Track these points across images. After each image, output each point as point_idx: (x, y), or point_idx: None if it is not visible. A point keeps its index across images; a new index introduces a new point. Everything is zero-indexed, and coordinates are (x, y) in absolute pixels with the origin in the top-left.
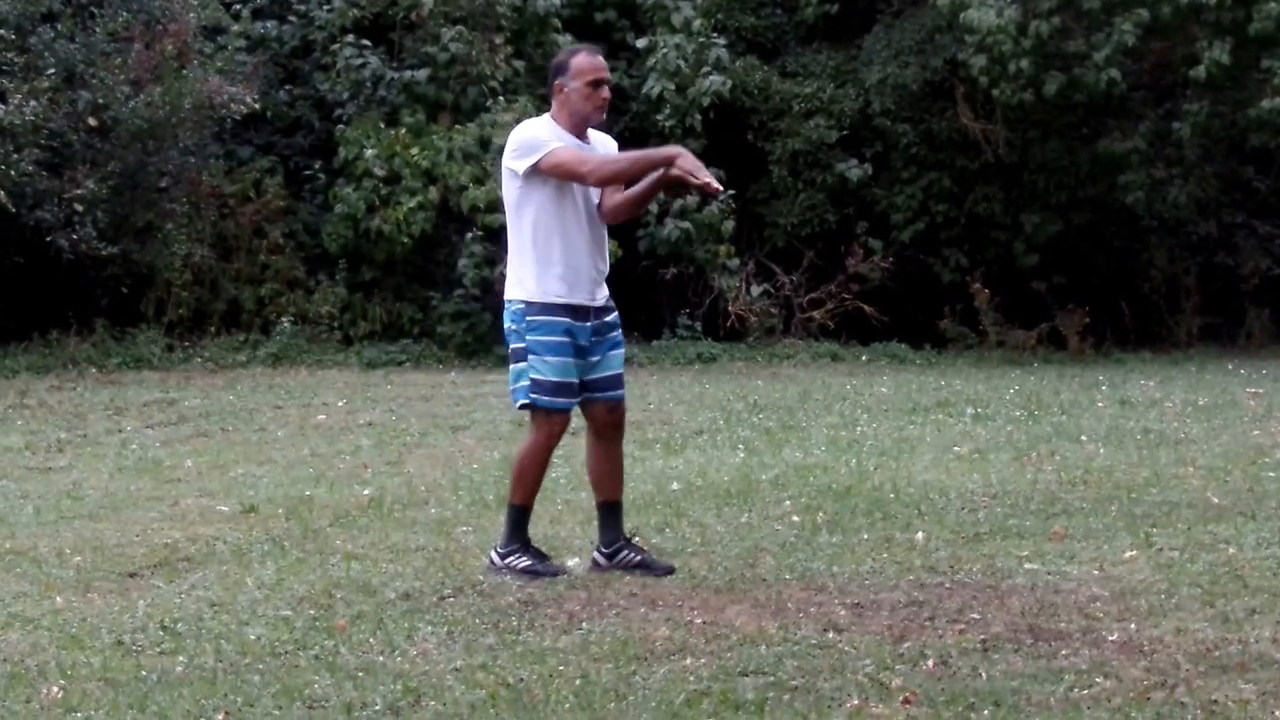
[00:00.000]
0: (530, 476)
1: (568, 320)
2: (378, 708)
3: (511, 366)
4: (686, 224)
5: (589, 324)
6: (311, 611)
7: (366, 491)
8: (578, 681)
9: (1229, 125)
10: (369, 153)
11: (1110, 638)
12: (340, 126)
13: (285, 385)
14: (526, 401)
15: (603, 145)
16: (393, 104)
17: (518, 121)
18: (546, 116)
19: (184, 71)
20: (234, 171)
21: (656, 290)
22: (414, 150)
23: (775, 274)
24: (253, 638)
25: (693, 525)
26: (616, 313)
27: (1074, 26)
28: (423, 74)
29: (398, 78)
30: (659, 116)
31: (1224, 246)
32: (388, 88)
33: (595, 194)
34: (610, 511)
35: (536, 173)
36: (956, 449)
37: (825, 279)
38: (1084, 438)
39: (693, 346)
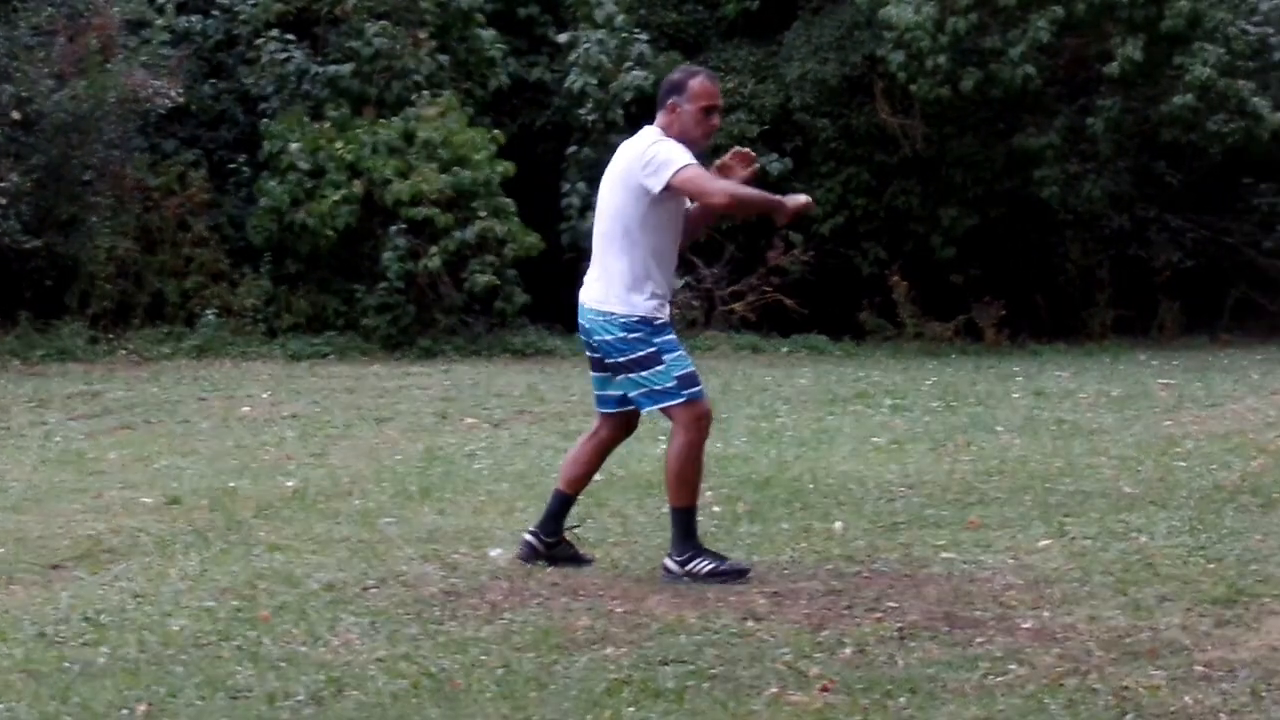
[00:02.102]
0: (692, 475)
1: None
2: (300, 698)
3: (636, 375)
4: None
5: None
6: (235, 602)
7: (290, 483)
8: (500, 671)
9: (1142, 121)
10: (293, 146)
11: (1024, 625)
12: (265, 120)
13: (210, 377)
14: (681, 400)
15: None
16: (317, 98)
17: (442, 116)
18: (658, 129)
19: (108, 65)
20: (158, 165)
21: (579, 283)
22: (338, 144)
23: (696, 267)
24: (176, 629)
25: (614, 515)
26: None
27: (990, 23)
28: (347, 68)
29: (322, 72)
30: (581, 111)
31: (1137, 240)
32: (312, 82)
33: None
34: (562, 502)
35: (668, 190)
36: (875, 440)
37: (746, 272)
38: (999, 428)
39: None
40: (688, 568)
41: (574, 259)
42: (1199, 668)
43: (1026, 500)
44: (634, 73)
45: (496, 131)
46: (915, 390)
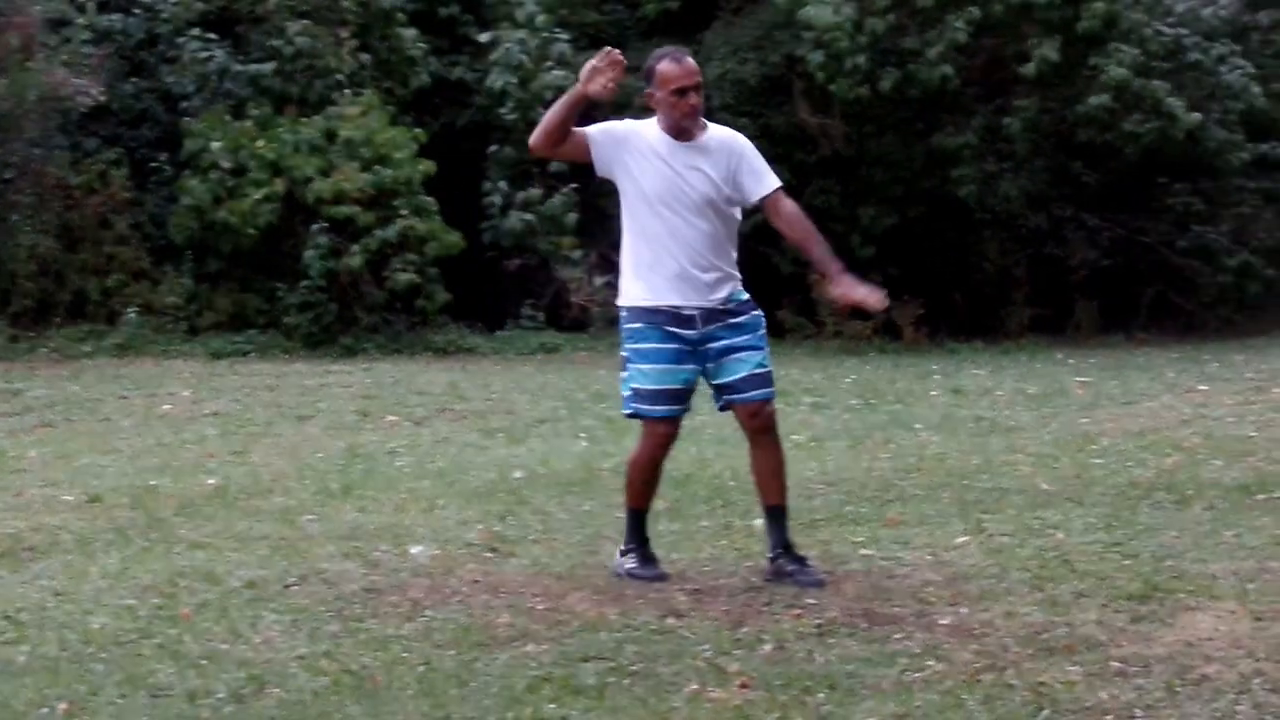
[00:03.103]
0: (635, 482)
1: (664, 326)
2: (221, 695)
3: (621, 374)
4: (530, 216)
5: (695, 331)
6: (156, 600)
7: (212, 481)
8: (420, 668)
9: (1058, 121)
10: (215, 145)
11: (942, 621)
12: (186, 119)
13: (131, 375)
14: (629, 411)
15: (723, 147)
16: (239, 97)
17: (363, 115)
18: (653, 121)
19: (29, 64)
20: (80, 163)
21: (501, 281)
22: (260, 143)
23: (617, 266)
24: (96, 627)
25: (535, 513)
26: (750, 313)
27: (908, 24)
28: (269, 67)
29: (244, 71)
30: (502, 110)
31: (1054, 239)
32: (234, 81)
33: (705, 188)
34: (771, 517)
35: (598, 169)
36: (794, 437)
37: None
38: (918, 426)
39: (536, 336)
40: (618, 560)
41: (495, 258)
42: (1115, 663)
43: (944, 497)
44: (554, 72)
45: (418, 130)
46: (834, 388)
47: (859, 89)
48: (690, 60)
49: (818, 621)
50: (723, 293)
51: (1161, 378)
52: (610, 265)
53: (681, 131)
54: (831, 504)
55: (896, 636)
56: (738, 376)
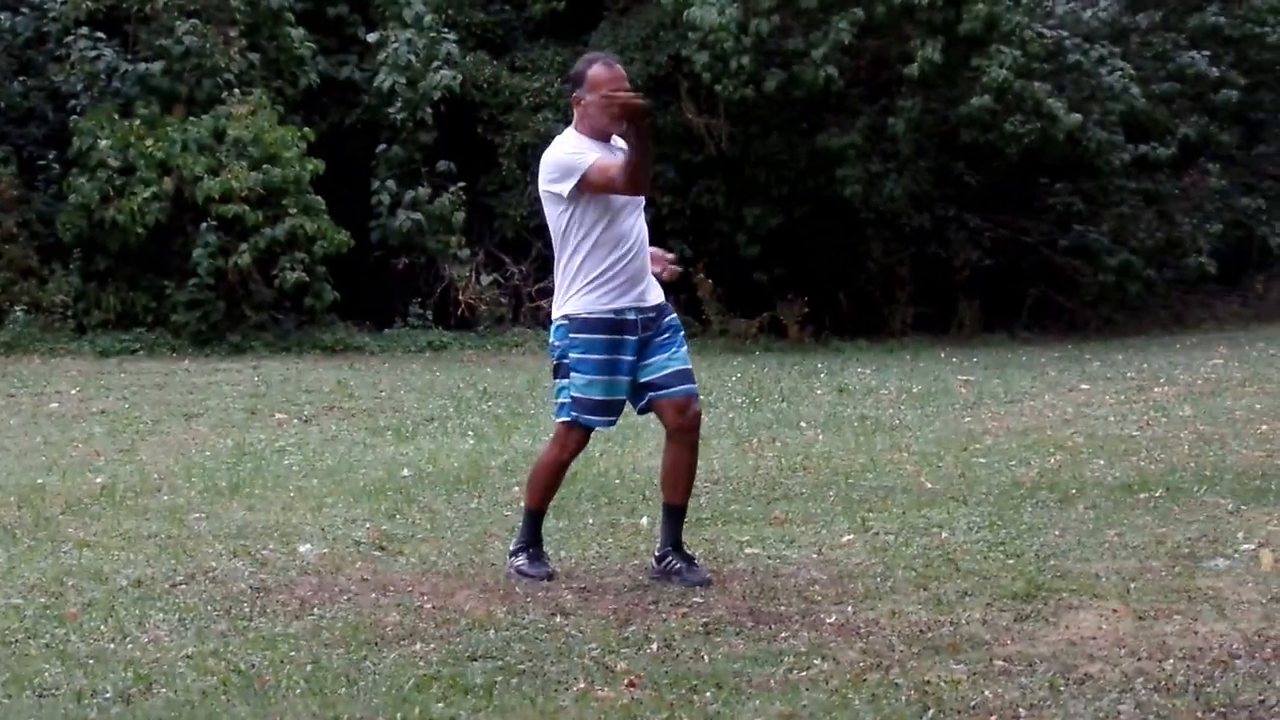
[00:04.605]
0: (541, 485)
1: (613, 335)
2: (108, 695)
3: (555, 381)
4: (418, 215)
5: (635, 337)
6: (42, 599)
7: (99, 479)
8: (309, 667)
9: (941, 121)
10: (103, 143)
11: (828, 620)
12: (74, 117)
13: (18, 374)
14: (568, 419)
15: (621, 146)
16: (127, 95)
17: (252, 114)
18: (571, 130)
19: None
20: None
21: (388, 280)
22: (148, 141)
23: (505, 264)
24: None
25: (423, 511)
26: (673, 313)
27: (793, 25)
28: (157, 66)
29: (132, 70)
30: (390, 110)
31: (937, 239)
32: (122, 79)
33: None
34: (669, 515)
35: (581, 193)
36: None
37: (553, 269)
38: (803, 424)
39: (424, 335)
40: (511, 558)
41: (383, 257)
42: (999, 662)
43: (830, 496)
44: (442, 72)
45: (306, 129)
46: (720, 386)
47: (744, 89)
48: (619, 66)
49: (704, 620)
50: (658, 292)
51: (1044, 377)
52: (497, 263)
53: (605, 134)
54: (717, 502)
55: (783, 635)
56: (666, 372)
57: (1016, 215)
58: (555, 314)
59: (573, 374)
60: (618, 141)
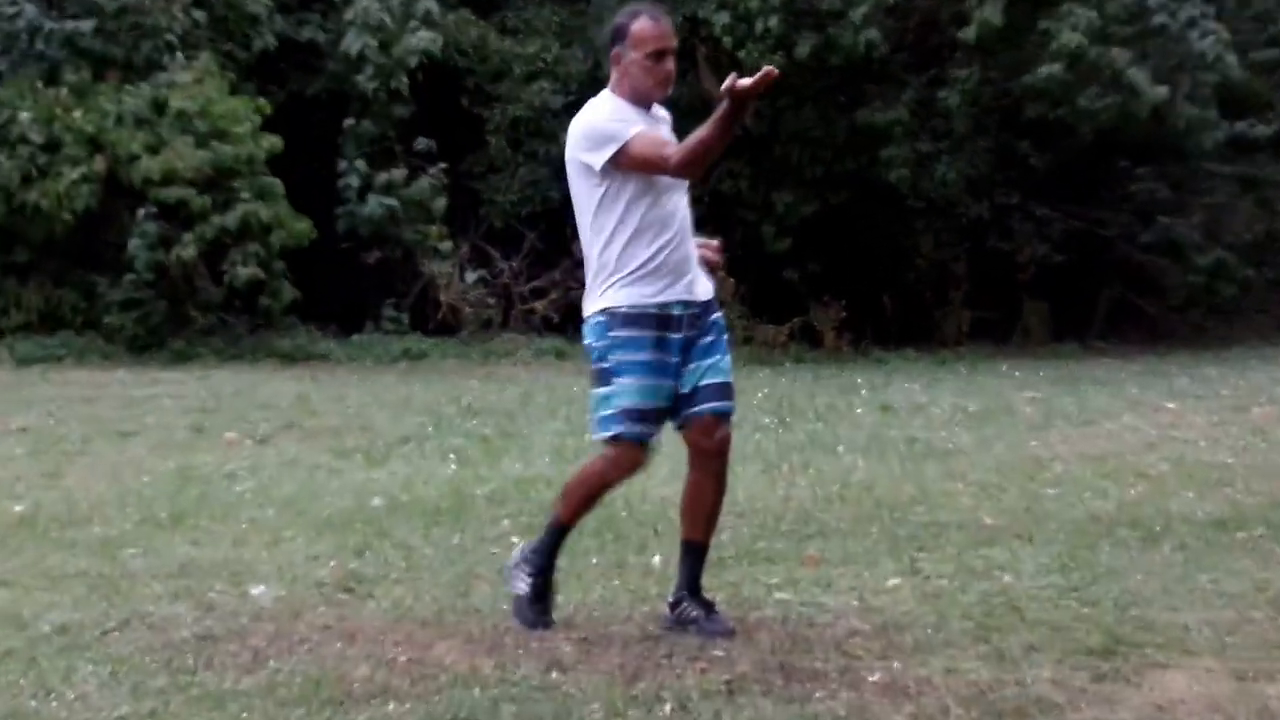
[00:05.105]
0: (579, 498)
1: (659, 333)
2: None
3: (593, 391)
4: (392, 201)
5: (680, 335)
6: None
7: (18, 508)
8: None
9: (1002, 94)
10: (24, 116)
11: (871, 679)
12: None
13: None
14: (616, 433)
15: (665, 117)
16: (52, 60)
17: (198, 82)
18: (607, 92)
19: None
20: None
21: (358, 276)
22: (77, 113)
23: (493, 259)
24: None
25: (397, 547)
26: (720, 311)
27: None
28: (87, 25)
29: (58, 29)
30: (359, 77)
31: (997, 231)
32: (46, 41)
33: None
34: (687, 553)
35: (616, 168)
36: None
37: (549, 265)
38: (841, 448)
39: (398, 341)
40: (516, 570)
41: (351, 249)
42: None
43: (873, 532)
44: (420, 34)
45: (262, 100)
46: (744, 403)
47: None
48: (668, 21)
49: (726, 678)
50: (705, 287)
51: (1123, 394)
52: (484, 258)
53: (647, 100)
54: (741, 539)
55: (818, 696)
56: (704, 384)
57: (1091, 204)
58: (589, 309)
59: (617, 379)
60: (660, 110)
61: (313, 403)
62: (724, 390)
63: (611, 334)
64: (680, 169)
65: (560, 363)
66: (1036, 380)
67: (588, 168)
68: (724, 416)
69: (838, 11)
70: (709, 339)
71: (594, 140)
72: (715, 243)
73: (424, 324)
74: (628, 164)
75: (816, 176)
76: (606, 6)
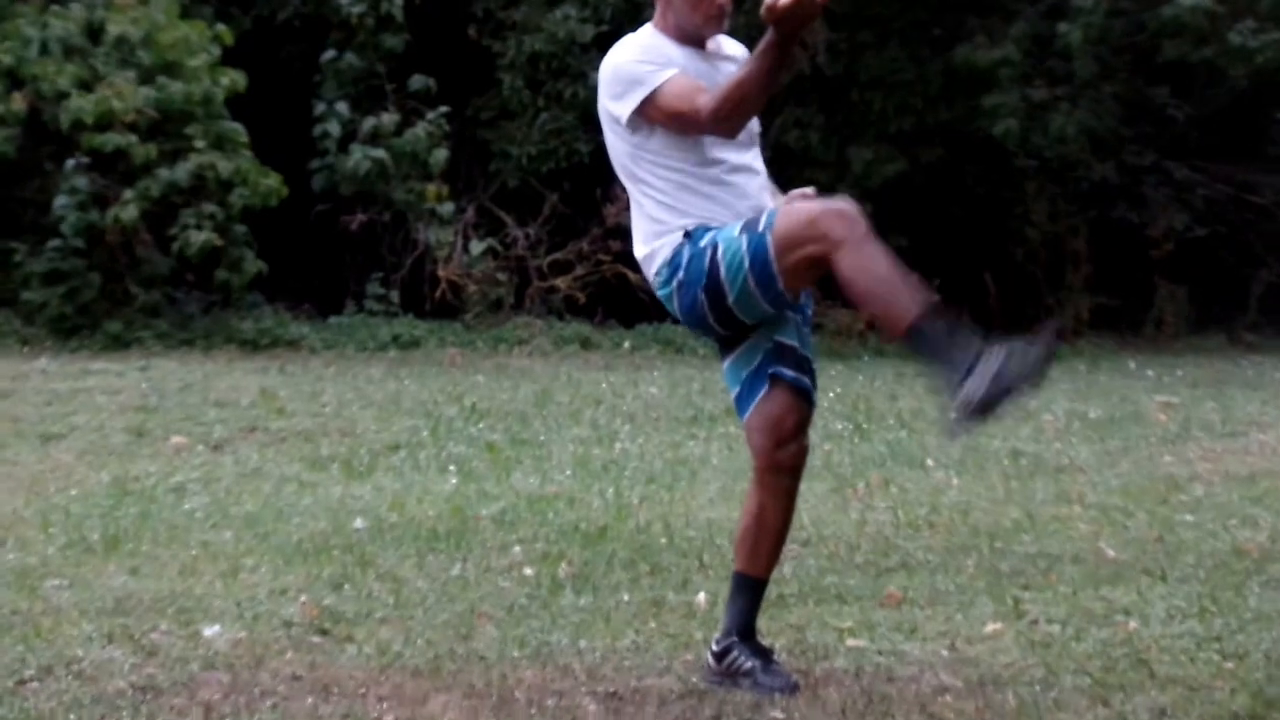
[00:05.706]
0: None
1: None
2: None
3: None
4: (381, 153)
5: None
6: None
7: None
8: None
9: (1134, 29)
10: None
11: None
12: None
13: None
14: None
15: (735, 54)
16: None
17: (142, 2)
18: (650, 26)
19: None
20: None
21: (337, 245)
22: None
23: (505, 226)
24: None
25: (383, 579)
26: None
27: None
28: None
29: None
30: (342, 1)
31: (1127, 199)
32: None
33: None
34: (741, 590)
35: (648, 121)
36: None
37: (574, 233)
38: (930, 462)
39: (387, 325)
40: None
41: (329, 212)
42: None
43: (968, 566)
44: None
45: (221, 27)
46: None
47: None
48: None
49: None
50: None
51: (1278, 399)
52: (494, 224)
53: (696, 37)
54: (806, 572)
55: None
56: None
57: (1242, 166)
58: (651, 270)
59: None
60: (729, 45)
61: (281, 400)
62: (805, 364)
63: (692, 252)
64: (715, 122)
65: (586, 353)
66: (1173, 381)
67: (615, 118)
68: (802, 395)
69: None
70: (795, 317)
71: (620, 85)
72: (811, 190)
73: (419, 305)
74: (658, 116)
75: (903, 129)
76: None
